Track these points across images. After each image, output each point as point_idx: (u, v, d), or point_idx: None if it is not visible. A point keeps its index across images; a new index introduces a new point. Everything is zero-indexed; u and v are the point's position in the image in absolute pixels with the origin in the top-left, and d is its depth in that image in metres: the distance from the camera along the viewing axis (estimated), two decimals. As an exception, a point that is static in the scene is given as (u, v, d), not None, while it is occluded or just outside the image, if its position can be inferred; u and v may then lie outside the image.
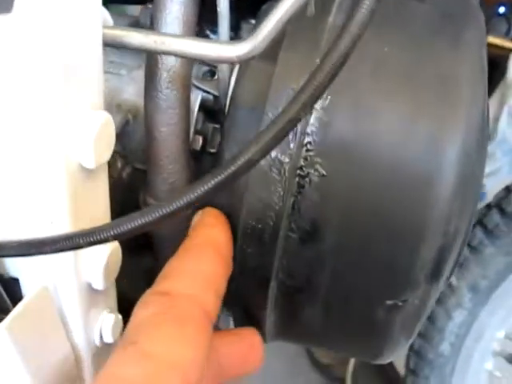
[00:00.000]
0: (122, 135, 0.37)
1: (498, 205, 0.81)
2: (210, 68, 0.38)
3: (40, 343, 0.29)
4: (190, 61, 0.31)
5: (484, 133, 0.31)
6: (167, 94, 0.31)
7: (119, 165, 0.36)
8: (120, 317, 0.33)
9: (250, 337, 0.35)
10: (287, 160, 0.30)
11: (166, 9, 0.29)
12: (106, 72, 0.38)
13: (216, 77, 0.36)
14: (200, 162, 0.37)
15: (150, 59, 0.31)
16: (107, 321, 0.32)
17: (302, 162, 0.30)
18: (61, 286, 0.29)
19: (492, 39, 2.32)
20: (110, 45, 0.28)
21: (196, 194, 0.24)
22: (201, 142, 0.36)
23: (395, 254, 0.30)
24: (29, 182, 0.26)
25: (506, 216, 0.80)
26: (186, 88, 0.32)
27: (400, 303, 0.31)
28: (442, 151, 0.29)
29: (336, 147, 0.29)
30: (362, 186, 0.29)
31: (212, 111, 0.37)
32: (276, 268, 0.31)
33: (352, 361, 1.45)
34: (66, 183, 0.26)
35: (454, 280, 0.86)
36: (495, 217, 0.81)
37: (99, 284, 0.30)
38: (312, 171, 0.30)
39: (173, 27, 0.30)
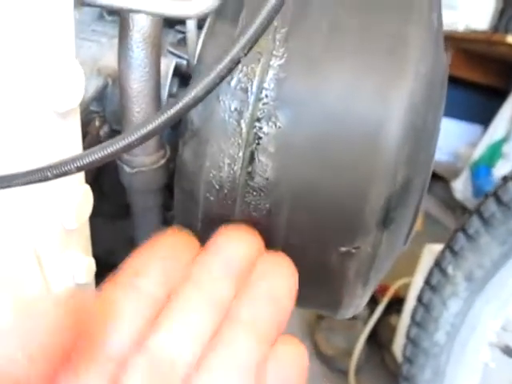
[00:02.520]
0: (101, 98, 0.40)
1: (494, 193, 0.82)
2: (185, 36, 0.40)
3: (16, 278, 0.31)
4: (159, 22, 0.34)
5: (436, 89, 0.34)
6: (138, 52, 0.33)
7: (97, 123, 0.39)
8: (93, 260, 0.36)
9: None
10: (246, 112, 0.32)
11: None
12: (88, 40, 0.41)
13: (190, 43, 0.39)
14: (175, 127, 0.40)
15: (123, 21, 0.33)
16: (80, 262, 0.34)
17: (259, 115, 0.32)
18: (35, 227, 0.32)
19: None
20: (81, 3, 0.31)
21: (150, 127, 0.26)
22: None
23: (345, 201, 0.32)
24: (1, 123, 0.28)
25: (502, 205, 0.81)
26: (156, 48, 0.34)
27: (353, 250, 0.33)
28: (388, 103, 0.31)
29: (291, 101, 0.32)
30: (314, 136, 0.31)
31: (186, 76, 0.40)
32: (236, 215, 0.34)
33: (356, 353, 1.46)
34: (38, 126, 0.28)
35: (449, 269, 0.87)
36: (492, 205, 0.82)
37: (71, 223, 0.32)
38: (268, 123, 0.32)
39: None
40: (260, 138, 0.32)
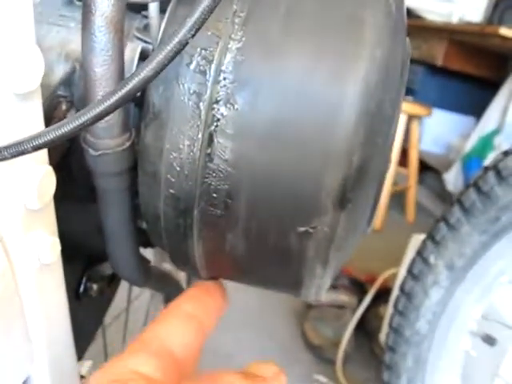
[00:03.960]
0: (69, 83, 0.40)
1: (475, 184, 0.83)
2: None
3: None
4: (122, 7, 0.34)
5: (393, 74, 0.34)
6: (100, 36, 0.34)
7: (64, 107, 0.39)
8: (58, 240, 0.36)
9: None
10: (204, 94, 0.33)
11: None
12: (56, 25, 0.42)
13: (156, 28, 0.39)
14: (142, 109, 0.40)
15: (86, 6, 0.34)
16: (45, 242, 0.35)
17: (217, 97, 0.33)
18: (-2, 208, 0.32)
19: (505, 31, 2.32)
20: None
21: (104, 105, 0.27)
22: (141, 88, 0.39)
23: (302, 183, 0.32)
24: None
25: (482, 194, 0.81)
26: (119, 33, 0.34)
27: (310, 230, 0.34)
28: (343, 86, 0.31)
29: (248, 84, 0.32)
30: (270, 119, 0.32)
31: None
32: (198, 196, 0.34)
33: (344, 342, 1.48)
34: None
35: (431, 258, 0.88)
36: (472, 195, 0.83)
37: (34, 204, 0.33)
38: (227, 105, 0.32)
39: None
40: (218, 119, 0.33)
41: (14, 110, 0.30)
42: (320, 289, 0.39)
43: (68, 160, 0.42)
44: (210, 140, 0.33)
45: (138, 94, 0.40)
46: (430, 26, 2.91)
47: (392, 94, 0.35)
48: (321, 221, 0.34)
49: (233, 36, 0.33)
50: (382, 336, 1.37)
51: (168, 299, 0.77)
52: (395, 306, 0.95)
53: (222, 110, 0.33)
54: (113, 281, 0.53)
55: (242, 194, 0.34)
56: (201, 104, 0.33)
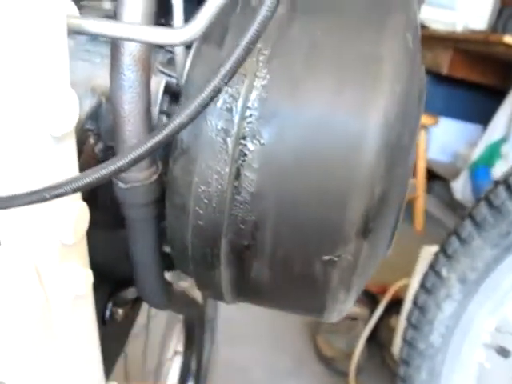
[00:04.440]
0: (96, 116, 0.42)
1: (486, 198, 0.84)
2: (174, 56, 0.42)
3: (18, 294, 0.33)
4: (148, 46, 0.36)
5: (411, 107, 0.35)
6: (128, 75, 0.35)
7: (92, 141, 0.41)
8: (90, 272, 0.37)
9: None
10: (231, 130, 0.34)
11: (125, 2, 0.34)
12: (82, 60, 0.43)
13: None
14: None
15: (114, 46, 0.35)
16: (78, 274, 0.36)
17: (244, 133, 0.34)
18: (34, 243, 0.33)
19: (510, 39, 2.33)
20: (75, 32, 0.32)
21: (141, 150, 0.28)
22: (165, 120, 0.41)
23: (326, 214, 0.34)
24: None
25: (493, 209, 0.82)
26: (146, 70, 0.36)
27: (335, 258, 0.35)
28: (364, 121, 0.33)
29: (273, 119, 0.34)
30: (295, 152, 0.33)
31: (177, 93, 0.41)
32: (225, 228, 0.36)
33: (356, 354, 1.48)
34: (36, 150, 0.30)
35: (443, 271, 0.89)
36: (483, 209, 0.84)
37: (69, 239, 0.34)
38: (253, 141, 0.34)
39: (130, 17, 0.34)
40: (245, 154, 0.34)
41: (51, 152, 0.31)
42: (342, 312, 0.41)
43: (96, 190, 0.44)
44: (238, 174, 0.34)
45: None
46: (435, 35, 2.92)
47: (411, 124, 0.37)
48: (345, 250, 0.35)
49: (258, 74, 0.34)
50: (395, 348, 1.37)
51: (188, 319, 0.78)
52: (408, 319, 0.96)
53: (249, 145, 0.34)
54: (135, 304, 0.54)
55: (268, 224, 0.35)
56: (228, 140, 0.34)
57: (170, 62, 0.43)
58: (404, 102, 0.35)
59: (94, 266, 0.40)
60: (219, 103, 0.34)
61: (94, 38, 0.45)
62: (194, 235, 0.37)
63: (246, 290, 0.41)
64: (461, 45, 2.82)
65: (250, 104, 0.34)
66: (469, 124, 3.16)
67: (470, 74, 2.93)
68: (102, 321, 0.50)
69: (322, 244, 0.35)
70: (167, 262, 0.50)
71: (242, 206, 0.35)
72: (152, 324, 0.83)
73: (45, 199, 0.28)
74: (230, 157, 0.34)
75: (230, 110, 0.34)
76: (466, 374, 0.93)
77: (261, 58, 0.35)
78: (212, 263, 0.38)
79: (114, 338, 0.55)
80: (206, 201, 0.35)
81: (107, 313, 0.51)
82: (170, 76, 0.42)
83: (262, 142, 0.34)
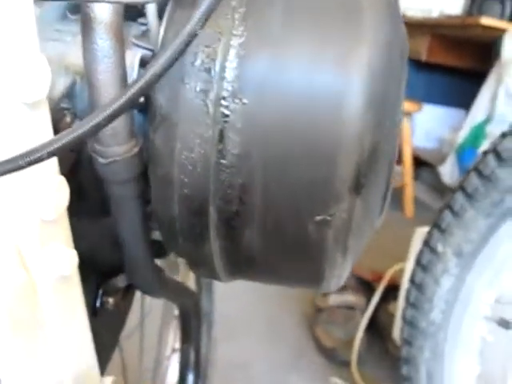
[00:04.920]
0: (71, 95, 0.40)
1: (475, 168, 0.83)
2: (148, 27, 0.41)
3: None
4: (120, 13, 0.34)
5: (395, 55, 0.34)
6: (101, 44, 0.34)
7: (68, 120, 0.39)
8: (75, 252, 0.36)
9: None
10: (211, 91, 0.33)
11: None
12: (52, 40, 0.42)
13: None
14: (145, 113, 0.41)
15: (84, 15, 0.34)
16: (62, 254, 0.35)
17: (224, 93, 0.33)
18: (13, 221, 0.32)
19: (486, 20, 2.35)
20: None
21: (116, 105, 0.27)
22: (144, 94, 0.39)
23: (316, 170, 0.32)
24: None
25: (483, 178, 0.82)
26: (119, 39, 0.34)
27: (328, 217, 0.34)
28: (348, 71, 0.32)
29: (254, 77, 0.32)
30: (279, 109, 0.32)
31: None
32: (212, 194, 0.34)
33: (356, 343, 1.47)
34: (7, 118, 0.29)
35: (439, 247, 0.88)
36: (474, 180, 0.83)
37: (49, 214, 0.32)
38: (234, 100, 0.33)
39: None
40: (227, 115, 0.33)
41: (24, 120, 0.30)
42: (340, 279, 0.39)
43: (76, 173, 0.42)
44: (221, 136, 0.33)
45: (142, 99, 0.40)
46: (411, 22, 2.93)
47: (395, 77, 0.35)
48: (337, 208, 0.34)
49: (234, 32, 0.33)
50: (396, 332, 1.36)
51: (183, 310, 0.77)
52: (407, 298, 0.95)
53: (230, 105, 0.33)
54: (127, 293, 0.52)
55: (256, 187, 0.34)
56: (208, 101, 0.33)
57: (144, 35, 0.41)
58: (388, 51, 0.34)
59: (82, 255, 0.38)
60: (196, 63, 0.33)
61: (64, 16, 0.44)
62: (181, 205, 0.35)
63: (239, 263, 0.39)
64: (438, 30, 2.83)
65: (228, 63, 0.33)
66: (451, 109, 3.17)
67: (448, 59, 2.94)
68: (93, 311, 0.49)
69: (313, 203, 0.34)
70: (156, 250, 0.49)
71: (227, 170, 0.34)
72: (147, 321, 0.81)
73: (20, 167, 0.27)
74: (212, 119, 0.33)
75: (208, 71, 0.33)
76: (468, 348, 0.92)
77: (236, 16, 0.34)
78: (201, 235, 0.36)
79: (107, 329, 0.53)
80: (190, 167, 0.34)
81: (98, 302, 0.49)
82: (144, 48, 0.40)
83: (244, 101, 0.33)
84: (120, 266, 0.48)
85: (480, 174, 0.82)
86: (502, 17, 2.56)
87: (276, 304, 1.74)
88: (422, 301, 0.92)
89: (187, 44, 0.27)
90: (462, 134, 2.50)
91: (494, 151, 0.80)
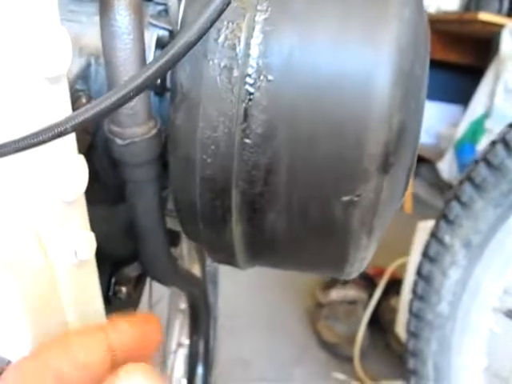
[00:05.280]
0: (86, 77, 0.39)
1: (484, 158, 0.82)
2: (165, 7, 0.40)
3: (15, 258, 0.31)
4: None
5: (420, 33, 0.33)
6: (120, 20, 0.33)
7: (83, 101, 0.38)
8: (93, 235, 0.35)
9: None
10: (235, 68, 0.32)
11: None
12: (67, 20, 0.41)
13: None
14: (162, 95, 0.40)
15: None
16: (80, 237, 0.34)
17: (249, 70, 0.32)
18: (32, 202, 0.31)
19: (484, 16, 2.35)
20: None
21: (143, 77, 0.26)
22: (160, 76, 0.38)
23: (343, 149, 0.32)
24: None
25: (492, 168, 0.81)
26: (139, 15, 0.34)
27: (355, 198, 0.33)
28: (376, 47, 0.31)
29: (279, 54, 0.31)
30: (305, 86, 0.31)
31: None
32: (235, 175, 0.33)
33: (359, 338, 1.46)
34: (29, 93, 0.28)
35: (446, 238, 0.88)
36: (482, 170, 0.82)
37: (68, 195, 0.31)
38: (260, 77, 0.32)
39: None
40: (252, 93, 0.32)
41: (45, 95, 0.29)
42: (363, 262, 0.38)
43: (91, 158, 0.41)
44: (245, 115, 0.32)
45: (159, 81, 0.39)
46: (409, 19, 2.92)
47: (420, 56, 0.35)
48: (365, 188, 0.33)
49: (258, 7, 0.32)
50: (399, 327, 1.36)
51: (192, 300, 0.76)
52: (414, 291, 0.94)
53: (255, 82, 0.32)
54: (139, 283, 0.51)
55: (282, 167, 0.33)
56: (233, 78, 0.32)
57: (161, 15, 0.40)
58: (414, 26, 0.33)
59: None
60: (220, 40, 0.32)
61: (78, -4, 0.43)
62: (202, 187, 0.34)
63: (261, 247, 0.38)
64: (436, 26, 2.82)
65: (253, 39, 0.32)
66: (449, 105, 3.17)
67: (446, 55, 2.94)
68: (106, 299, 0.48)
69: (340, 183, 0.33)
70: (170, 239, 0.48)
71: (251, 150, 0.33)
72: (155, 311, 0.80)
73: (43, 141, 0.26)
74: (236, 96, 0.32)
75: (232, 47, 0.32)
76: (476, 340, 0.92)
77: None
78: (223, 218, 0.35)
79: (119, 319, 0.52)
80: (212, 147, 0.33)
81: (111, 291, 0.48)
82: (161, 28, 0.39)
83: (269, 78, 0.32)
84: (133, 255, 0.47)
85: (489, 164, 0.81)
86: (499, 12, 2.56)
87: (278, 299, 1.73)
88: (430, 293, 0.91)
89: (213, 21, 0.26)
90: (461, 130, 2.50)
91: (503, 141, 0.79)
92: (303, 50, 0.31)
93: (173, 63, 0.26)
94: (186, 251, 0.79)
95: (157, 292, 0.78)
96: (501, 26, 2.29)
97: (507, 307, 0.88)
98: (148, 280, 0.66)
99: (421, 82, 0.35)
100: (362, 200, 0.33)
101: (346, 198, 0.33)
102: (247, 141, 0.32)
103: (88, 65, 0.40)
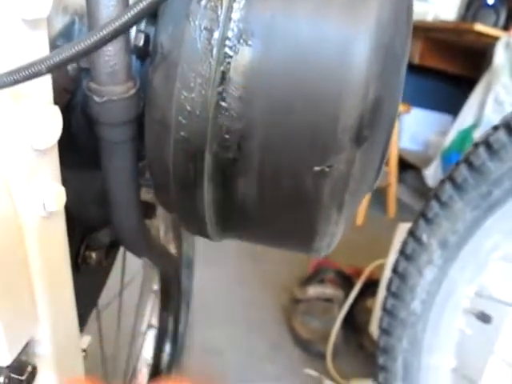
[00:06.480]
0: (68, 35, 0.39)
1: (466, 160, 0.83)
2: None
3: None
4: None
5: (401, 9, 0.34)
6: None
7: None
8: (63, 188, 0.35)
9: None
10: (216, 30, 0.32)
11: None
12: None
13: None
14: (144, 59, 0.39)
15: None
16: (50, 189, 0.33)
17: (229, 33, 0.32)
18: (3, 148, 0.31)
19: (480, 27, 2.37)
20: None
21: (118, 23, 0.25)
22: (143, 39, 0.38)
23: (317, 119, 0.32)
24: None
25: (474, 170, 0.82)
26: None
27: (326, 169, 0.33)
28: (356, 20, 0.31)
29: (260, 19, 0.32)
30: (284, 54, 0.31)
31: (155, 15, 0.39)
32: (209, 138, 0.33)
33: (332, 336, 1.47)
34: (6, 35, 0.28)
35: (424, 237, 0.88)
36: (464, 171, 0.83)
37: (40, 143, 0.31)
38: (239, 41, 0.32)
39: None
40: (231, 56, 0.32)
41: (23, 38, 0.28)
42: (333, 239, 0.39)
43: (67, 118, 0.41)
44: (223, 78, 0.32)
45: (141, 43, 0.39)
46: (406, 26, 2.93)
47: (401, 32, 0.35)
48: (337, 159, 0.33)
49: None
50: (373, 328, 1.36)
51: (164, 275, 0.76)
52: (388, 288, 0.95)
53: (235, 46, 0.32)
54: (111, 250, 0.51)
55: (256, 133, 0.33)
56: (213, 40, 0.32)
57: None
58: (395, 5, 0.33)
59: (66, 207, 0.37)
60: (203, 2, 0.32)
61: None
62: (176, 149, 0.34)
63: (232, 217, 0.38)
64: (431, 34, 2.84)
65: (235, 3, 0.32)
66: (438, 113, 3.19)
67: (440, 64, 2.96)
68: (75, 265, 0.48)
69: (313, 153, 0.33)
70: (144, 210, 0.48)
71: (227, 113, 0.33)
72: (125, 294, 0.80)
73: (17, 81, 0.26)
74: (215, 59, 0.32)
75: (214, 9, 0.32)
76: (447, 340, 0.92)
77: None
78: (195, 183, 0.35)
79: (88, 285, 0.52)
80: (188, 108, 0.33)
81: (80, 257, 0.48)
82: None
83: (249, 42, 0.32)
84: (105, 220, 0.47)
85: (470, 165, 0.82)
86: (495, 25, 2.58)
87: (254, 293, 1.73)
88: (404, 291, 0.91)
89: None
90: (449, 139, 2.51)
91: (486, 143, 0.80)
92: (284, 17, 0.31)
93: (151, 8, 0.26)
94: (162, 232, 0.78)
95: (129, 272, 0.78)
96: (496, 38, 2.31)
97: (479, 309, 0.88)
98: (121, 258, 0.66)
99: (400, 59, 0.35)
100: (333, 171, 0.33)
101: (317, 169, 0.33)
102: (223, 104, 0.32)
103: (72, 23, 0.39)
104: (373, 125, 0.33)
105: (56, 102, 0.39)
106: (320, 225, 0.36)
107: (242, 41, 0.32)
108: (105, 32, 0.25)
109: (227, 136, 0.33)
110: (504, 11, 2.69)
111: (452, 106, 2.87)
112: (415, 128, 3.12)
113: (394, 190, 2.68)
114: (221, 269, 1.82)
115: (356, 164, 0.34)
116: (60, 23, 0.39)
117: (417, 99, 3.04)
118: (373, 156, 0.36)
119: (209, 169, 0.35)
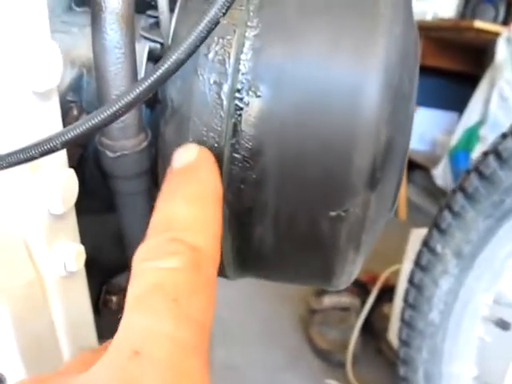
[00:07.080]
0: (77, 88, 0.39)
1: (476, 169, 0.83)
2: (157, 20, 0.40)
3: (5, 271, 0.31)
4: (131, 3, 0.34)
5: (410, 51, 0.34)
6: (112, 34, 0.33)
7: (75, 113, 0.39)
8: (82, 247, 0.35)
9: None
10: (225, 84, 0.32)
11: None
12: (59, 31, 0.41)
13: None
14: (153, 107, 0.40)
15: (95, 4, 0.33)
16: (70, 250, 0.34)
17: (238, 86, 0.32)
18: (22, 215, 0.31)
19: (480, 24, 2.36)
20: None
21: (134, 94, 0.26)
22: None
23: (331, 164, 0.32)
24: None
25: (484, 179, 0.81)
26: (130, 29, 0.34)
27: (342, 213, 0.33)
28: (365, 63, 0.31)
29: (269, 70, 0.32)
30: (294, 102, 0.32)
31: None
32: (225, 190, 0.34)
33: (351, 344, 1.47)
34: (18, 108, 0.28)
35: (438, 247, 0.88)
36: (474, 181, 0.83)
37: (58, 208, 0.32)
38: (249, 93, 0.32)
39: None
40: (241, 108, 0.32)
41: (34, 110, 0.29)
42: (351, 276, 0.39)
43: (81, 169, 0.41)
44: (235, 130, 0.32)
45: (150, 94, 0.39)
46: (405, 25, 2.93)
47: (409, 70, 0.35)
48: (352, 203, 0.33)
49: (249, 23, 0.32)
50: (391, 334, 1.36)
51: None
52: (405, 299, 0.95)
53: (245, 98, 0.32)
54: (130, 292, 0.51)
55: (270, 182, 0.33)
56: (222, 94, 0.32)
57: (152, 27, 0.41)
58: (403, 44, 0.33)
59: (85, 253, 0.37)
60: (210, 55, 0.32)
61: (70, 8, 0.43)
62: None
63: (249, 260, 0.38)
64: (432, 33, 2.83)
65: (243, 55, 0.32)
66: (444, 112, 3.18)
67: (442, 62, 2.95)
68: (96, 310, 0.48)
69: (328, 198, 0.33)
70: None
71: (240, 165, 0.33)
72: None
73: (33, 157, 0.26)
74: (226, 112, 0.32)
75: (222, 62, 0.32)
76: (466, 349, 0.92)
77: (251, 8, 0.33)
78: None
79: (109, 328, 0.52)
80: None
81: (100, 301, 0.48)
82: (153, 41, 0.40)
83: (259, 93, 0.32)
84: (123, 265, 0.47)
85: (481, 174, 0.82)
86: (495, 20, 2.57)
87: (270, 306, 1.73)
88: (421, 302, 0.91)
89: (203, 38, 0.27)
90: (456, 137, 2.51)
91: (495, 152, 0.80)
92: (292, 66, 0.32)
93: (163, 80, 0.26)
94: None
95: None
96: (496, 34, 2.30)
97: (497, 316, 0.88)
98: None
99: (409, 96, 0.35)
100: (349, 215, 0.33)
101: (333, 214, 0.33)
102: (236, 155, 0.33)
103: (80, 76, 0.40)
104: (386, 166, 0.33)
105: (69, 156, 0.39)
106: (337, 266, 0.36)
107: (251, 93, 0.32)
108: (118, 106, 0.26)
109: (242, 186, 0.33)
110: (503, 5, 2.68)
111: (457, 103, 2.87)
112: (422, 127, 3.11)
113: (403, 192, 2.68)
114: (236, 282, 1.82)
115: (371, 205, 0.34)
116: (68, 77, 0.40)
117: (421, 99, 3.03)
118: (388, 192, 0.36)
119: (225, 218, 0.35)
